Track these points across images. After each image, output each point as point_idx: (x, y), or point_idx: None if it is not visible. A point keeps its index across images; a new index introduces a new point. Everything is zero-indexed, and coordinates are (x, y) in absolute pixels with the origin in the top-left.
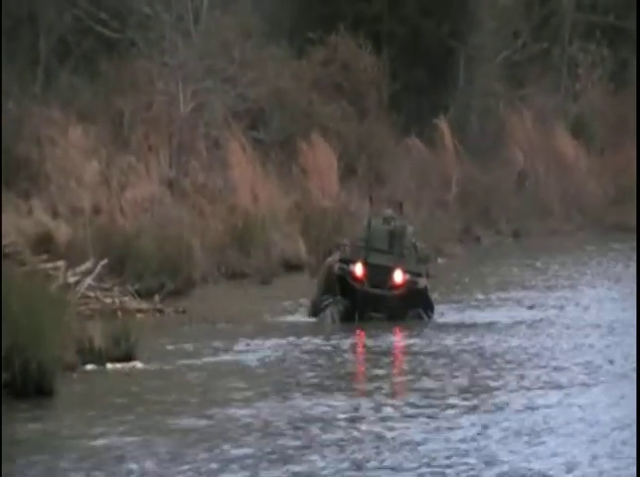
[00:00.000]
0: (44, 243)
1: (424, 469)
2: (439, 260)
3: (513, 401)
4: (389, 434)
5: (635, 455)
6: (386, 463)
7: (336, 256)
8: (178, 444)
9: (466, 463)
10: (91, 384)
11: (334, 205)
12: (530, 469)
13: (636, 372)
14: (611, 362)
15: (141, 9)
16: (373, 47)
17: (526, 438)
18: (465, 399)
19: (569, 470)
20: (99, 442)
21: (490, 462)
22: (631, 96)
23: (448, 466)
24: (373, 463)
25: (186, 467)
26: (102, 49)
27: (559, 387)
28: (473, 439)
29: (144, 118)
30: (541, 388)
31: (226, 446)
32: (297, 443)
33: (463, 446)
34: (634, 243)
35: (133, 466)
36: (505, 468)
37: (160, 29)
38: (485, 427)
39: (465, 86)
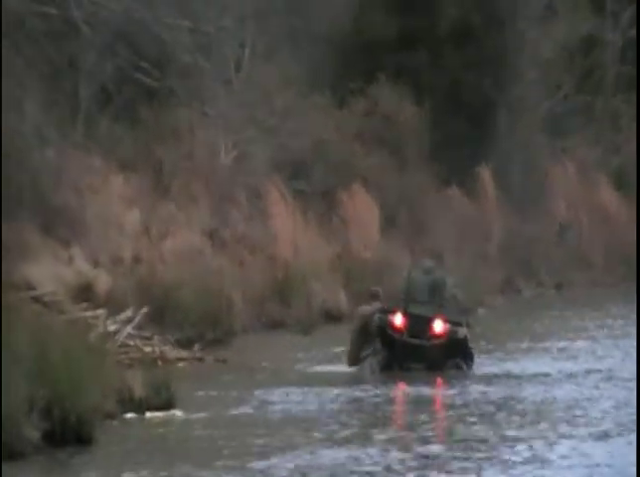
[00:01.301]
0: (84, 292)
1: None
2: (480, 311)
3: (551, 453)
4: None
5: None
6: None
7: (371, 306)
8: None
9: None
10: (131, 433)
11: (375, 256)
12: None
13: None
14: None
15: (182, 58)
16: (414, 97)
17: None
18: (505, 452)
19: None
20: None
21: None
22: None
23: None
24: None
25: None
26: (143, 97)
27: (604, 437)
28: None
29: (185, 167)
30: (582, 439)
31: None
32: None
33: None
34: None
35: None
36: None
37: (201, 78)
38: None
39: (506, 137)
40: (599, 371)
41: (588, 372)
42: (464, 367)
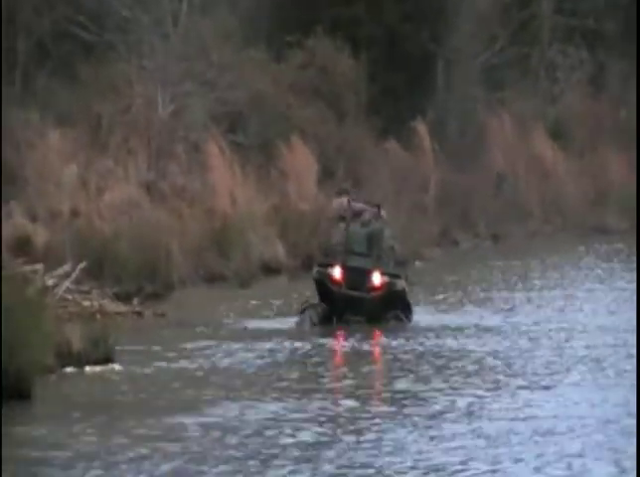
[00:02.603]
0: (22, 246)
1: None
2: (418, 263)
3: (490, 405)
4: (366, 437)
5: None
6: (364, 464)
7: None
8: (151, 449)
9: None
10: (70, 387)
11: (312, 208)
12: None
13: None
14: (586, 364)
15: (120, 12)
16: (351, 50)
17: (499, 443)
18: (442, 405)
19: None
20: (73, 446)
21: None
22: (609, 99)
23: (429, 468)
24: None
25: (157, 473)
26: (81, 52)
27: (542, 389)
28: (450, 439)
29: (123, 122)
30: (520, 391)
31: (197, 449)
32: (267, 449)
33: (441, 446)
34: (613, 246)
35: (103, 472)
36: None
37: (139, 32)
38: (466, 430)
39: (444, 90)
40: (536, 322)
41: (526, 323)
42: (404, 319)
